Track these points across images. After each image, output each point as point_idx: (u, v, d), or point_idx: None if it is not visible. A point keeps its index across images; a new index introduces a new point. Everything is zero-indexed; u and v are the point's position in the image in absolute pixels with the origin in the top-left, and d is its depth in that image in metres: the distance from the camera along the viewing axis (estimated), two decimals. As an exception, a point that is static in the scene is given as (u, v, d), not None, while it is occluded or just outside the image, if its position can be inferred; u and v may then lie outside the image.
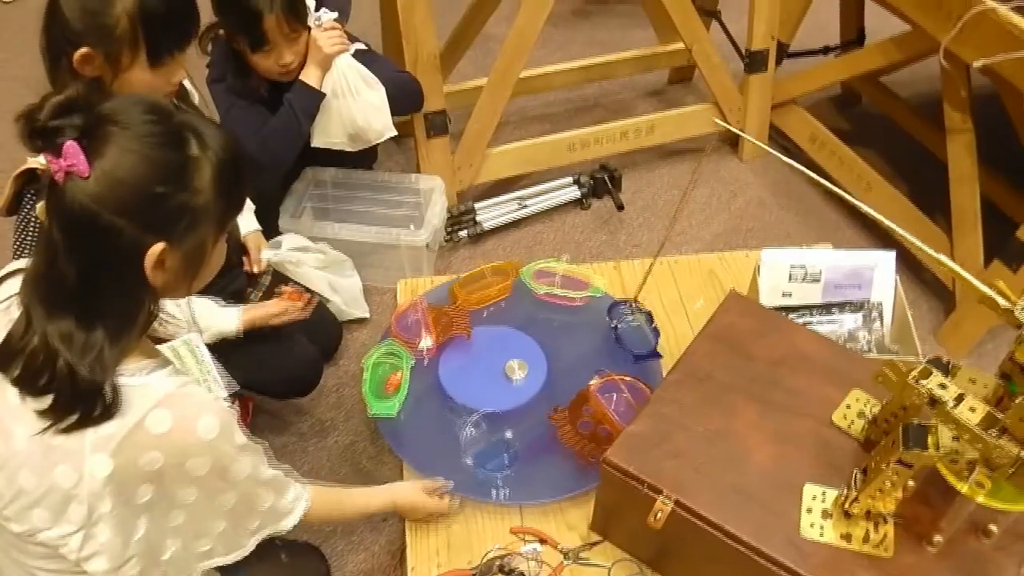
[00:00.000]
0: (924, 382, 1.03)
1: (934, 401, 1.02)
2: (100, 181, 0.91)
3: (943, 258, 1.07)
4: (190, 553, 1.10)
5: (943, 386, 1.02)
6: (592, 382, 1.44)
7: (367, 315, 2.21)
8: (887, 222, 1.08)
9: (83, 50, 1.37)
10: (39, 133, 0.90)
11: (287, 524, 1.20)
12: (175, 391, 1.00)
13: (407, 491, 1.36)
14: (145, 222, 0.94)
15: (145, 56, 1.41)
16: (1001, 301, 1.00)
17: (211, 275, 1.08)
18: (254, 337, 1.70)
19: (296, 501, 1.21)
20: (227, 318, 1.64)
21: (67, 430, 0.96)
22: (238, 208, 1.07)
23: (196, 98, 1.67)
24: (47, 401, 0.96)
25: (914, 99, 2.82)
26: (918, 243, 1.07)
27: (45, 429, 0.96)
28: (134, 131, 0.93)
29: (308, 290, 1.90)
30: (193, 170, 0.96)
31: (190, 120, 0.98)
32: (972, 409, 1.00)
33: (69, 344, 0.95)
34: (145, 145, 0.93)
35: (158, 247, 0.94)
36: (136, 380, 0.99)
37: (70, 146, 0.89)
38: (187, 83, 1.62)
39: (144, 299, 0.99)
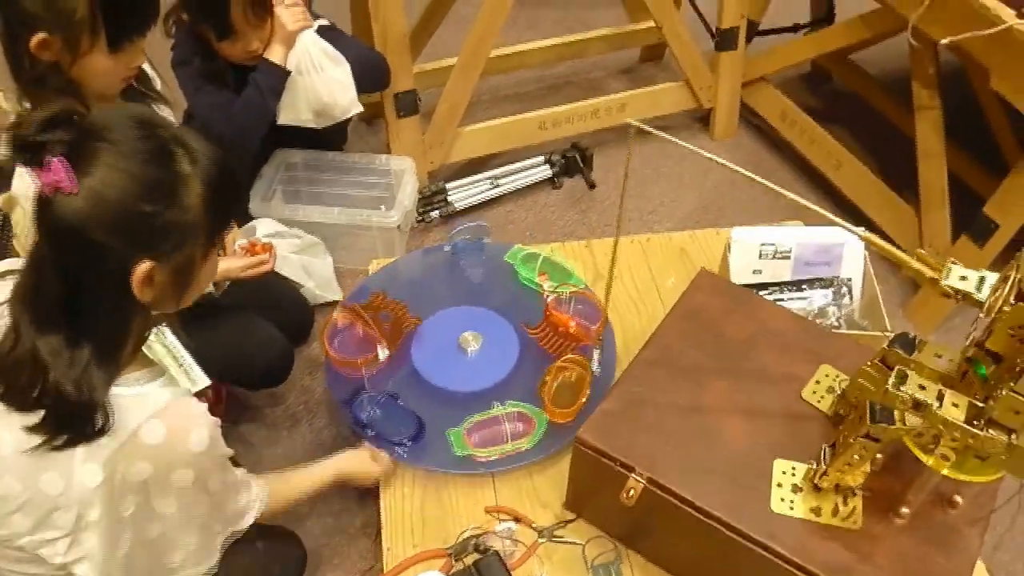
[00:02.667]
0: (904, 388, 1.01)
1: (918, 405, 1.00)
2: (87, 199, 0.89)
3: (861, 231, 1.08)
4: (159, 567, 1.10)
5: (922, 387, 1.01)
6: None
7: (340, 297, 2.19)
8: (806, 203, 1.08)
9: (40, 35, 1.32)
10: (27, 147, 0.88)
11: (245, 523, 1.21)
12: (171, 403, 1.00)
13: (351, 459, 1.42)
14: (133, 240, 0.93)
15: (105, 41, 1.37)
16: (928, 272, 1.00)
17: (203, 288, 1.07)
18: (223, 329, 1.68)
19: (253, 501, 1.23)
20: None
21: (59, 448, 0.95)
22: (228, 222, 1.06)
23: (158, 83, 1.64)
24: (37, 416, 0.95)
25: (883, 77, 2.84)
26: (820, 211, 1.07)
27: (37, 447, 0.95)
28: (122, 148, 0.91)
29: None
30: (182, 187, 0.94)
31: (180, 135, 0.96)
32: (955, 405, 0.99)
33: (56, 359, 0.94)
34: (133, 163, 0.91)
35: (146, 265, 0.93)
36: (131, 390, 0.99)
37: (57, 163, 0.88)
38: (149, 68, 1.59)
39: (133, 315, 0.98)
